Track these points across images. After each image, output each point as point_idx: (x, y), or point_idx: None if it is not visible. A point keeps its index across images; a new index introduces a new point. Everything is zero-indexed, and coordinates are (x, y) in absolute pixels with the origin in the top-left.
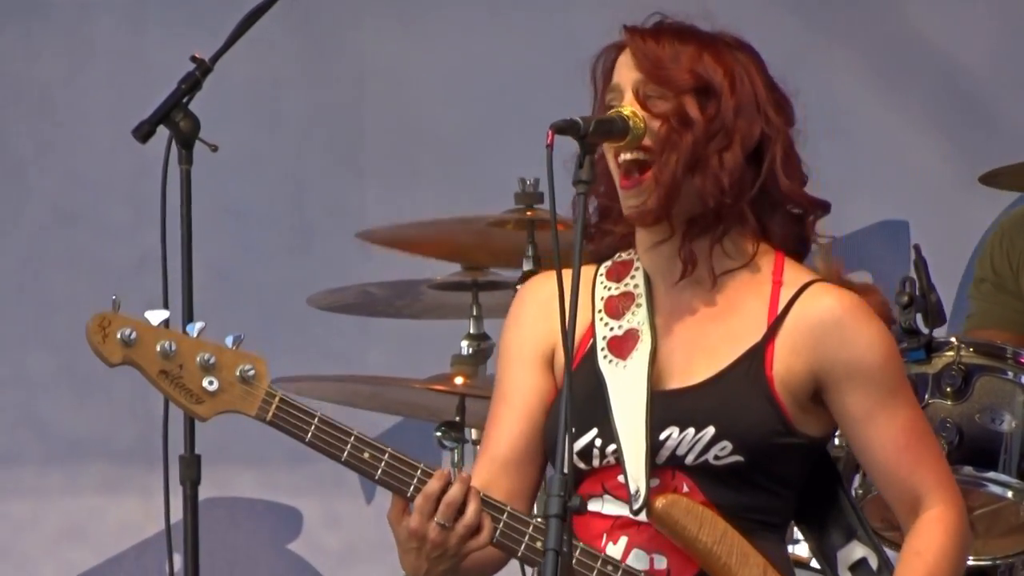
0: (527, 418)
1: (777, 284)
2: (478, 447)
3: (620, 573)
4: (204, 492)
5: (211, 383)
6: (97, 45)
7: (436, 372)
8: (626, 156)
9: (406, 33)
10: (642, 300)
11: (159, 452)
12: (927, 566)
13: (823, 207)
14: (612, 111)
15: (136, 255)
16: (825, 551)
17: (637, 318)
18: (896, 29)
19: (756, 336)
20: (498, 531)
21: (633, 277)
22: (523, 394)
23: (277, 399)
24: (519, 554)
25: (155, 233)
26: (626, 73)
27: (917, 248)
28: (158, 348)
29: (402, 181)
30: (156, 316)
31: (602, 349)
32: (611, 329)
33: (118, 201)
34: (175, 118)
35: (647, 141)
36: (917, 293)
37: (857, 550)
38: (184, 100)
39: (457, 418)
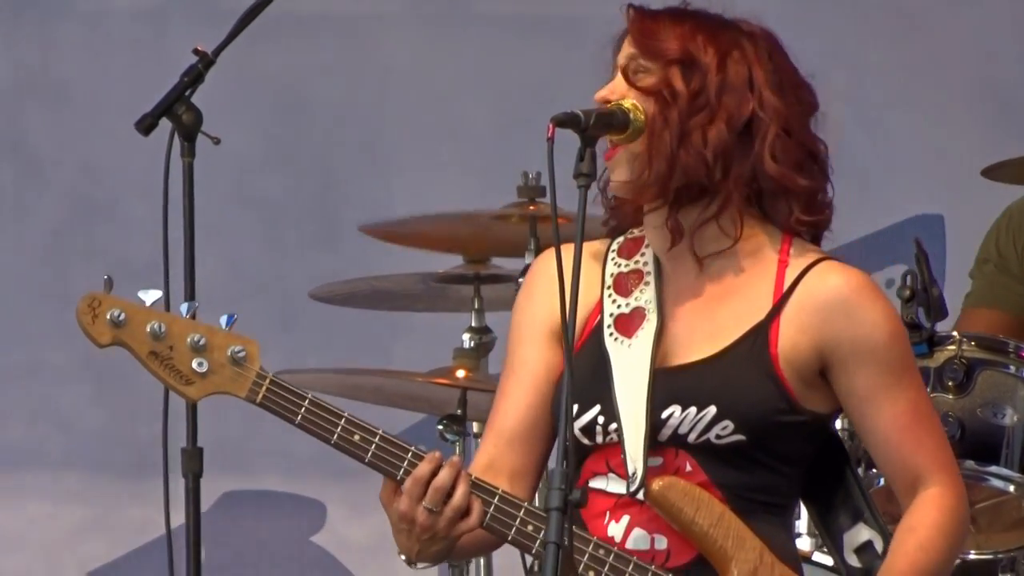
0: (535, 391)
1: (783, 263)
2: (479, 438)
3: (612, 556)
4: (229, 485)
5: (201, 364)
6: (115, 37)
7: (438, 365)
8: (616, 137)
9: (426, 31)
10: (651, 279)
11: (179, 445)
12: (919, 540)
13: (814, 192)
14: (613, 104)
15: (157, 248)
16: (832, 532)
17: (645, 296)
18: (930, 20)
19: (760, 314)
20: (488, 515)
21: (643, 255)
22: (532, 368)
23: (268, 381)
24: (509, 538)
25: (177, 226)
26: (624, 50)
27: (918, 242)
28: (148, 329)
29: (418, 174)
30: (149, 296)
31: (608, 327)
32: (619, 307)
33: (137, 194)
34: (177, 111)
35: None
36: (919, 287)
37: (863, 532)
38: (187, 93)
39: (459, 411)
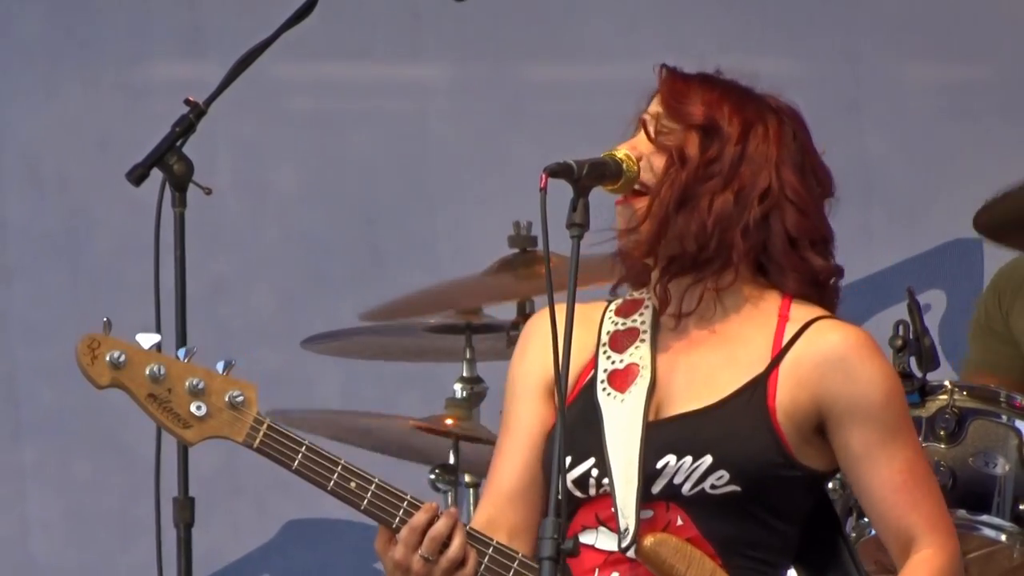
0: (530, 449)
1: (783, 318)
2: (474, 489)
3: None
4: (289, 514)
5: (199, 408)
6: (153, 80)
7: (429, 414)
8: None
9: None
10: (646, 336)
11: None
12: None
13: (826, 273)
14: (605, 154)
15: (205, 283)
16: None
17: (640, 352)
18: (968, 40)
19: (759, 367)
20: (483, 565)
21: (641, 314)
22: (526, 425)
23: (265, 426)
24: None
25: (222, 262)
26: (651, 107)
27: (911, 291)
28: (147, 372)
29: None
30: (147, 340)
31: (602, 382)
32: (613, 363)
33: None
34: (168, 161)
35: (645, 177)
36: (911, 336)
37: None
38: (178, 143)
39: (452, 461)
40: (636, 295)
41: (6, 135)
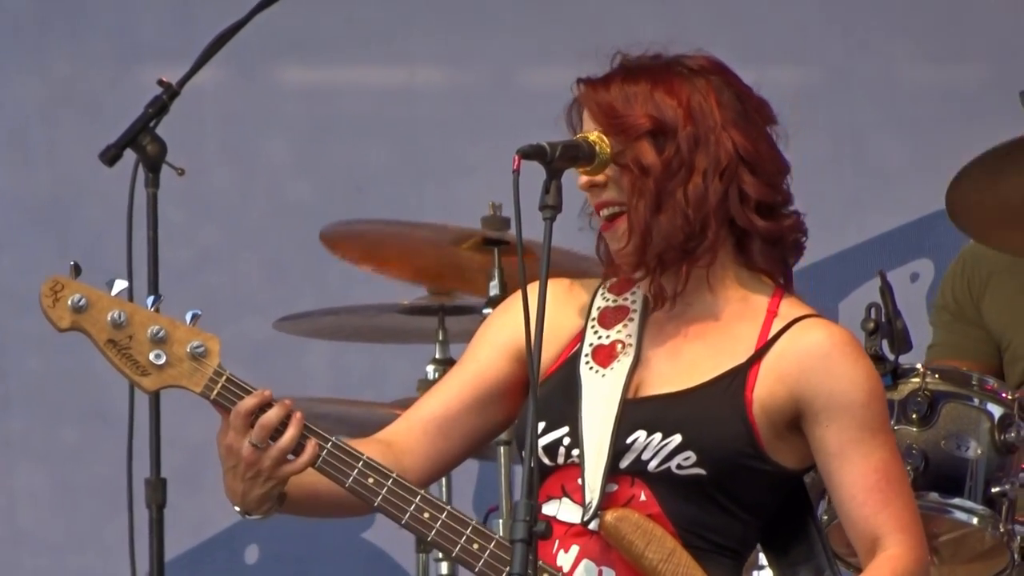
0: (472, 390)
1: (771, 314)
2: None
3: None
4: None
5: (159, 356)
6: (142, 50)
7: (402, 396)
8: (604, 212)
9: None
10: (635, 316)
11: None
12: None
13: (792, 231)
14: (579, 135)
15: (192, 254)
16: None
17: (627, 331)
18: (958, 19)
19: (741, 358)
20: (321, 458)
21: (634, 293)
22: (480, 370)
23: (224, 378)
24: (346, 485)
25: (211, 231)
26: (587, 128)
27: (882, 274)
28: (108, 317)
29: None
30: (115, 286)
31: (585, 355)
32: (599, 338)
33: (170, 202)
34: (142, 142)
35: (612, 195)
36: (883, 319)
37: None
38: (151, 124)
39: None
40: (630, 275)
41: None
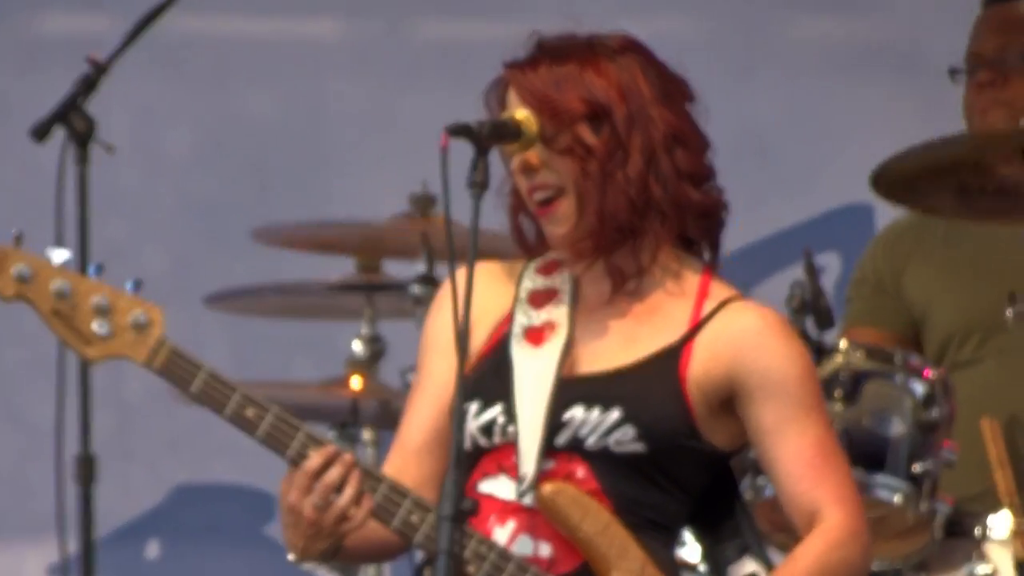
0: (439, 404)
1: (703, 294)
2: (373, 448)
3: (495, 553)
4: (179, 478)
5: (102, 326)
6: (48, 36)
7: (331, 374)
8: (538, 195)
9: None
10: (565, 296)
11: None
12: (797, 565)
13: (718, 208)
14: (506, 114)
15: (99, 246)
16: (717, 562)
17: (558, 311)
18: (857, 3)
19: (675, 336)
20: (377, 504)
21: (562, 275)
22: (438, 382)
23: (167, 348)
24: (392, 525)
25: (116, 225)
26: (519, 113)
27: (808, 252)
28: (52, 287)
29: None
30: (57, 255)
31: (517, 335)
32: (529, 318)
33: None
34: (71, 119)
35: (547, 178)
36: (808, 297)
37: (748, 565)
38: (79, 101)
39: (352, 418)
40: (556, 256)
41: None
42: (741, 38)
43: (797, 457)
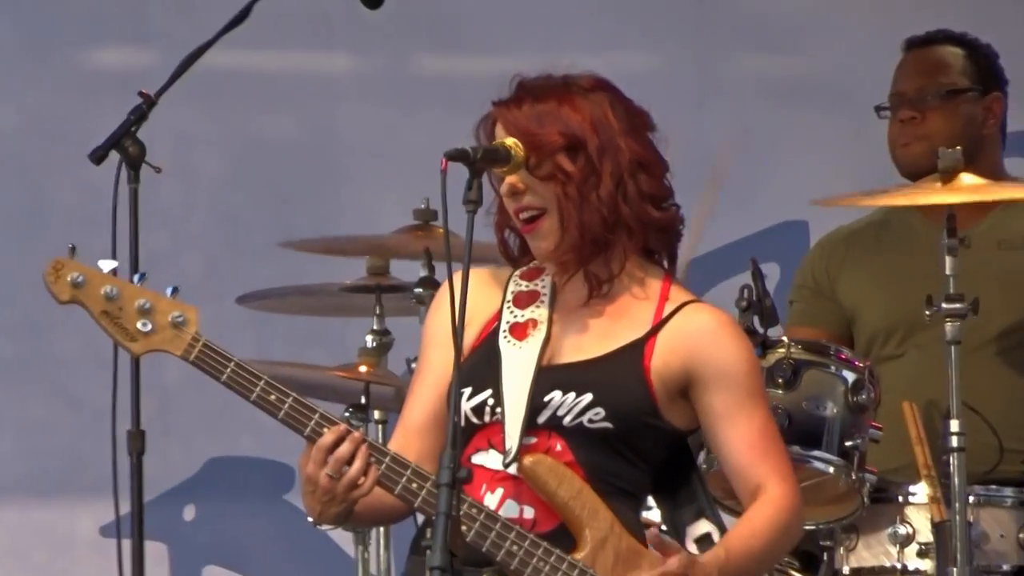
0: (438, 389)
1: (664, 298)
2: (382, 425)
3: (483, 515)
4: (211, 452)
5: (145, 325)
6: (100, 70)
7: (345, 361)
8: (524, 215)
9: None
10: (546, 299)
11: (171, 423)
12: (752, 528)
13: (677, 222)
14: (496, 142)
15: (141, 255)
16: (676, 524)
17: (539, 311)
18: (790, 40)
19: (640, 333)
20: (381, 472)
21: (543, 280)
22: (436, 370)
23: (201, 343)
24: (396, 492)
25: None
26: (508, 141)
27: (754, 260)
28: (102, 291)
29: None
30: (106, 265)
31: (503, 331)
32: (515, 316)
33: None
34: (125, 145)
35: (531, 200)
36: (754, 299)
37: (703, 525)
38: (132, 129)
39: (363, 401)
40: (537, 264)
41: None
42: (694, 74)
43: (745, 438)
